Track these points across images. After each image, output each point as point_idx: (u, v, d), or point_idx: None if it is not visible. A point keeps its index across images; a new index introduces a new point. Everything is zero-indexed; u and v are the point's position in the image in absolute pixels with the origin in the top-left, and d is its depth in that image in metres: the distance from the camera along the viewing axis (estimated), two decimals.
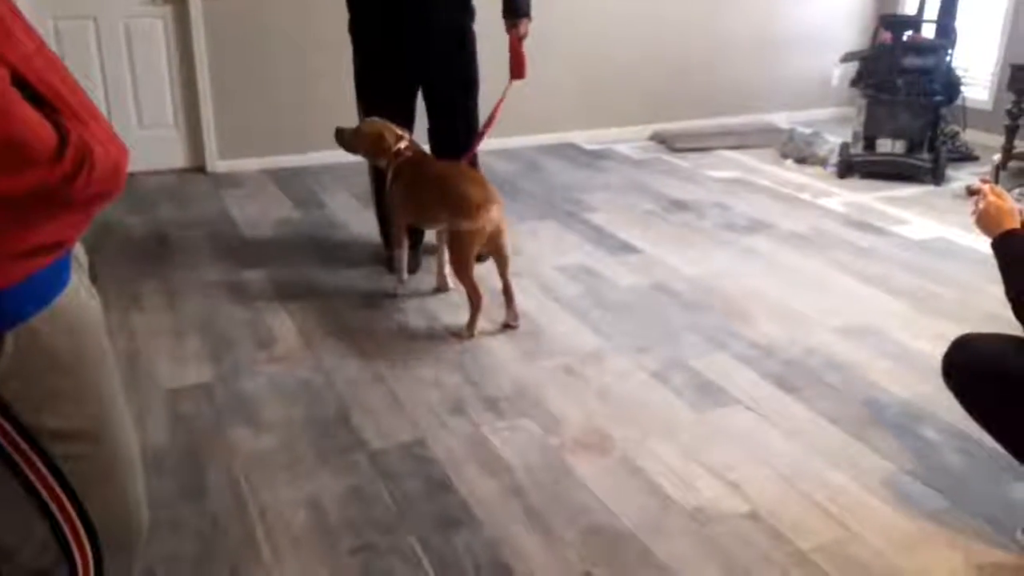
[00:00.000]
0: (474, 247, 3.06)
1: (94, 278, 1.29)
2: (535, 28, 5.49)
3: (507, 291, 3.19)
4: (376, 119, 3.39)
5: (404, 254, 3.45)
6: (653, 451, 2.42)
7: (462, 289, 3.16)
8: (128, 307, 3.30)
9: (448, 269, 3.37)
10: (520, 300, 3.35)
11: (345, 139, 3.43)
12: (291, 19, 4.36)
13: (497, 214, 3.08)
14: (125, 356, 2.92)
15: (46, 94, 1.00)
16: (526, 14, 3.59)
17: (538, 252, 3.93)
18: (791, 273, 3.73)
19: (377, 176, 3.53)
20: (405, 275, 3.49)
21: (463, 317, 3.19)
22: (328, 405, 2.65)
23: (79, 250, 1.23)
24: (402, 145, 3.32)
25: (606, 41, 5.85)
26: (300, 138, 5.09)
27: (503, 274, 3.19)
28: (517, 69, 3.65)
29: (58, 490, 1.08)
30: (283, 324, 3.19)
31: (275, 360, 2.93)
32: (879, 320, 3.26)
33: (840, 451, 2.43)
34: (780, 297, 3.47)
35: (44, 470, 1.07)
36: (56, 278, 1.09)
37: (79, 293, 1.15)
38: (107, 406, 1.19)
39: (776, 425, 2.56)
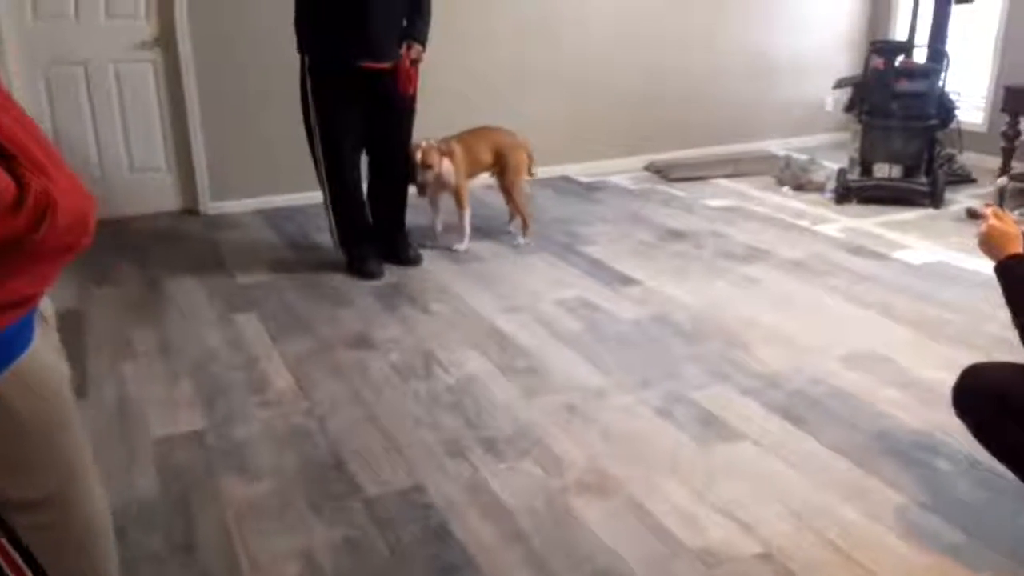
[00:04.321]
0: (520, 175, 4.42)
1: (61, 334, 1.23)
2: (526, 60, 5.52)
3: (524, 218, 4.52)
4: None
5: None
6: (659, 490, 2.34)
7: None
8: (119, 354, 3.24)
9: (467, 230, 4.43)
10: (519, 336, 3.33)
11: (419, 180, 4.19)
12: (281, 59, 4.34)
13: (528, 149, 4.48)
14: (115, 405, 2.86)
15: (7, 145, 0.95)
16: (416, 40, 3.91)
17: (536, 286, 3.87)
18: (791, 301, 3.67)
19: (333, 187, 4.00)
20: (440, 225, 4.54)
21: (458, 355, 3.16)
22: (322, 450, 2.57)
23: (46, 305, 1.17)
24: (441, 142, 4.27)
25: (598, 72, 5.84)
26: (293, 178, 5.04)
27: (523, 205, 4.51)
28: (401, 85, 3.90)
29: (23, 568, 1.01)
30: (276, 367, 3.12)
31: (268, 405, 2.85)
32: (884, 347, 3.19)
33: (851, 485, 2.35)
34: (781, 326, 3.40)
35: (8, 547, 1.00)
36: (20, 336, 1.03)
37: (43, 352, 1.08)
38: (74, 472, 1.12)
39: (784, 459, 2.48)
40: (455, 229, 4.44)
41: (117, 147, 4.90)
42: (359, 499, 2.32)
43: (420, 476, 2.43)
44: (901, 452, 2.51)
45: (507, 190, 4.47)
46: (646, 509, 2.26)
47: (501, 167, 4.44)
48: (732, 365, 3.08)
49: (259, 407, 2.83)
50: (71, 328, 3.47)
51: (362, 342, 3.33)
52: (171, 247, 4.52)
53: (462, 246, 4.36)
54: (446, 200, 4.46)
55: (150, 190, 5.02)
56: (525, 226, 4.51)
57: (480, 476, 2.42)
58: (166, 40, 4.80)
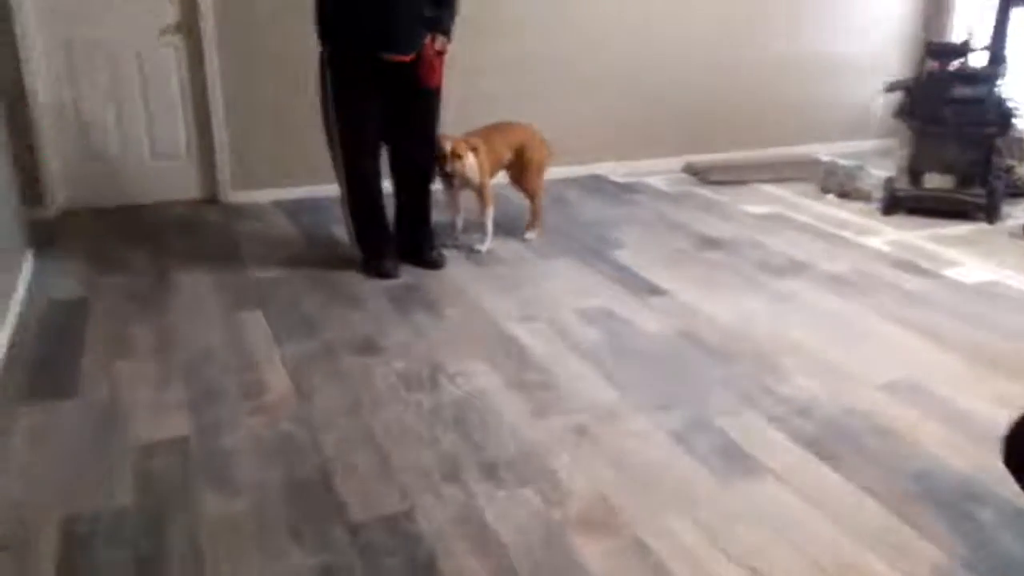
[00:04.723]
0: (543, 172, 4.33)
1: None
2: (563, 55, 5.34)
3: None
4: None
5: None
6: (669, 529, 2.13)
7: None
8: (115, 350, 3.11)
9: (490, 230, 4.23)
10: (535, 347, 3.14)
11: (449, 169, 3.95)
12: (305, 49, 4.20)
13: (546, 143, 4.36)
14: (104, 406, 2.71)
15: None
16: (441, 31, 3.71)
17: (558, 293, 3.67)
18: (831, 320, 3.42)
19: (351, 182, 3.82)
20: (460, 223, 4.32)
21: (467, 366, 2.99)
22: (310, 465, 2.40)
23: None
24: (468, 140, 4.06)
25: (637, 69, 5.61)
26: (318, 169, 4.87)
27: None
28: (424, 77, 3.71)
29: None
30: (275, 370, 2.96)
31: (261, 411, 2.69)
32: (929, 376, 2.94)
33: (884, 534, 2.12)
34: (818, 347, 3.16)
35: None
36: None
37: None
38: None
39: (810, 500, 2.26)
40: (476, 228, 4.25)
41: (138, 132, 4.79)
42: (343, 523, 2.15)
43: (411, 501, 2.24)
44: (942, 498, 2.27)
45: (530, 188, 4.32)
46: (652, 551, 2.05)
47: (523, 164, 4.27)
48: (761, 389, 2.85)
49: (250, 414, 2.67)
50: (73, 318, 3.36)
51: (369, 347, 3.16)
52: (186, 237, 4.40)
53: (484, 247, 4.17)
54: (466, 198, 4.27)
55: (170, 177, 4.91)
56: (534, 223, 4.39)
57: (475, 504, 2.22)
58: (189, 24, 4.67)
